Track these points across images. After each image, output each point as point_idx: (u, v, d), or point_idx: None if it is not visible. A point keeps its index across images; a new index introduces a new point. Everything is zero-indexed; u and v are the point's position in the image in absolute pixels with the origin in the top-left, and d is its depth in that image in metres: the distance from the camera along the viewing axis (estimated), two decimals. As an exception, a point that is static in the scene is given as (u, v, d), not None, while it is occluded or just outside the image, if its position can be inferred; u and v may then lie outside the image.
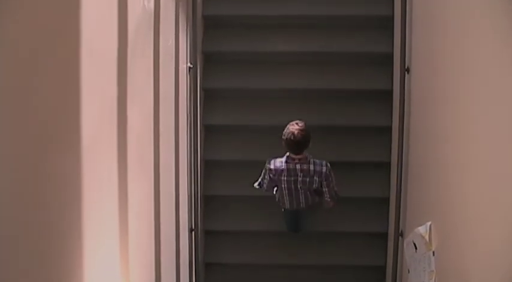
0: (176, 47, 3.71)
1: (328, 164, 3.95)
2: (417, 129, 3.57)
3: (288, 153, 3.92)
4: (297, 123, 3.79)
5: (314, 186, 3.99)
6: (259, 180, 4.17)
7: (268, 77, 4.84)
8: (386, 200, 4.53)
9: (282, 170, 3.94)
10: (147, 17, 2.91)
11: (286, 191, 4.06)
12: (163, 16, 3.21)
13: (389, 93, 4.58)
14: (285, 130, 3.78)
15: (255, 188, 4.21)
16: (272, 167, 3.96)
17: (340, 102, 4.82)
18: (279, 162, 3.96)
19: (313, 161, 3.93)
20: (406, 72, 3.86)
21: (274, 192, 4.26)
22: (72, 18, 1.81)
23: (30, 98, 1.57)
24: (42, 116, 1.66)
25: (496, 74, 1.94)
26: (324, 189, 4.03)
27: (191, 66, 4.15)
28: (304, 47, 4.85)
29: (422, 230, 2.85)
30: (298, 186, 3.99)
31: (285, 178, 3.95)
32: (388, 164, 4.57)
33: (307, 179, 3.94)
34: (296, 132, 3.72)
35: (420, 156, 3.45)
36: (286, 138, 3.76)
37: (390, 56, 4.57)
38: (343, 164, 4.52)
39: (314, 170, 3.91)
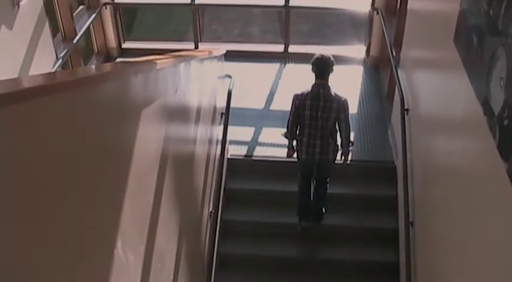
0: None
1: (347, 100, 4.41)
2: None
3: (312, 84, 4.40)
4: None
5: (332, 116, 4.37)
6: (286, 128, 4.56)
7: None
8: None
9: (307, 94, 4.40)
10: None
11: (308, 121, 4.42)
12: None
13: None
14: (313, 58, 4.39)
15: (283, 137, 4.59)
16: (299, 92, 4.46)
17: None
18: (305, 89, 4.45)
19: (334, 92, 4.39)
20: None
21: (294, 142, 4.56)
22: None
23: None
24: None
25: None
26: (341, 124, 4.41)
27: None
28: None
29: None
30: (318, 115, 4.38)
31: (309, 102, 4.39)
32: None
33: (328, 105, 4.35)
34: (323, 53, 4.41)
35: None
36: (314, 60, 4.38)
37: None
38: None
39: (334, 96, 4.37)
